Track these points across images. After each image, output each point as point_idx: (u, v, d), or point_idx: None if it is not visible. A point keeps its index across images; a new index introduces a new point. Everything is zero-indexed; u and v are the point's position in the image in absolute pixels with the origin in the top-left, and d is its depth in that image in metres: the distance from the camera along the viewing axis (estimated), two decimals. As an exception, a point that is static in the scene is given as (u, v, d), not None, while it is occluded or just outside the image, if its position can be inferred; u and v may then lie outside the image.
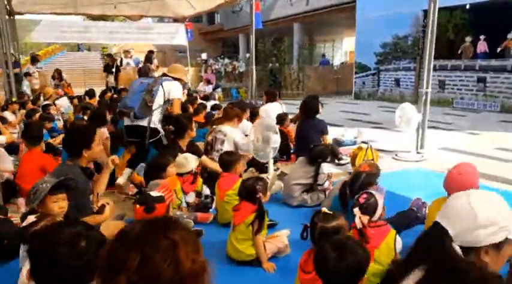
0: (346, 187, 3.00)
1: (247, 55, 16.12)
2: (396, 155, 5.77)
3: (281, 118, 6.14)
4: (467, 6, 10.74)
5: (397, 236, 2.22)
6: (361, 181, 2.83)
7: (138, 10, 12.67)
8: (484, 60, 10.21)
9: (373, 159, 4.89)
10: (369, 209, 2.20)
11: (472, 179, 2.55)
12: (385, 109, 11.18)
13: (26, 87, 11.39)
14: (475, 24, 10.43)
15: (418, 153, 5.91)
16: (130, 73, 13.42)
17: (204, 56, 15.18)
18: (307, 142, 5.45)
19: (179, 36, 14.04)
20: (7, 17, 10.98)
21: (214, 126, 4.65)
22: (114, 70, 12.45)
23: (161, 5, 12.66)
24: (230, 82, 14.96)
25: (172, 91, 4.37)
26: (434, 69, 11.40)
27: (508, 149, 6.08)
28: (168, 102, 4.41)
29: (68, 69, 22.91)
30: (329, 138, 5.70)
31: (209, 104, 8.32)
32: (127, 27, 13.45)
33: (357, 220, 2.15)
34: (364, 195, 2.27)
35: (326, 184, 3.93)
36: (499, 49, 9.81)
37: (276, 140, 4.56)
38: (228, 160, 3.46)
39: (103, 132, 4.75)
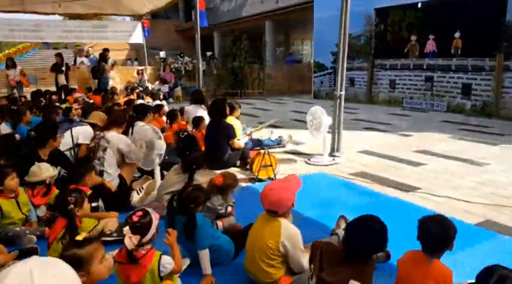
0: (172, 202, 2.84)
1: (208, 53, 15.95)
2: (309, 159, 5.65)
3: (197, 121, 6.00)
4: (419, 5, 10.69)
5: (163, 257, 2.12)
6: (186, 196, 2.68)
7: (90, 8, 12.44)
8: (431, 59, 10.16)
9: (271, 165, 4.79)
10: (141, 228, 2.06)
11: (283, 194, 2.42)
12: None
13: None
14: (425, 23, 10.36)
15: (333, 156, 5.81)
16: (85, 73, 13.24)
17: (162, 54, 14.95)
18: (215, 147, 5.36)
19: (136, 34, 13.84)
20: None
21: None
22: (64, 69, 12.18)
23: (115, 2, 12.45)
24: (190, 81, 14.74)
25: (81, 136, 4.60)
26: (385, 69, 11.45)
27: (426, 151, 6.00)
28: (77, 146, 4.52)
29: (41, 68, 22.69)
30: (241, 143, 5.58)
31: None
32: (81, 26, 13.17)
33: (126, 240, 2.01)
34: (139, 213, 2.13)
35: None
36: (452, 50, 9.76)
37: (160, 146, 4.43)
38: (76, 172, 3.30)
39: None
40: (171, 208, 2.74)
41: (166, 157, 5.09)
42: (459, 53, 9.45)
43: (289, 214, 2.56)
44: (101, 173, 4.18)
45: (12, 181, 3.12)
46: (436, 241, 2.08)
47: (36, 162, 3.50)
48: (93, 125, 4.68)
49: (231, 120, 6.30)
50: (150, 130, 4.78)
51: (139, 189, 3.92)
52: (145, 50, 14.11)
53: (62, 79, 12.36)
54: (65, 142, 4.35)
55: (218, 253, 2.80)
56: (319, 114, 5.45)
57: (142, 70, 13.40)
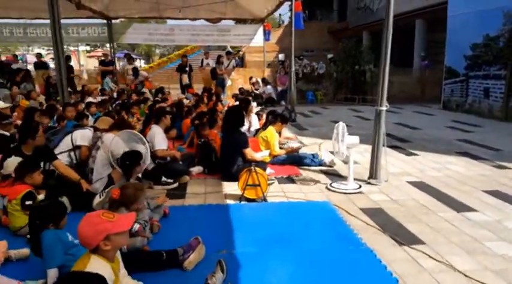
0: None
1: (329, 56, 15.23)
2: (331, 184, 4.80)
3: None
4: None
5: None
6: (34, 211, 2.53)
7: (213, 13, 13.30)
8: None
9: (259, 185, 4.25)
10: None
11: (85, 231, 2.07)
12: (456, 125, 9.15)
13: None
14: None
15: (368, 183, 4.83)
16: (208, 74, 14.33)
17: (281, 56, 14.98)
18: (225, 157, 5.09)
19: (257, 37, 14.21)
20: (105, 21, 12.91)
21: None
22: (187, 69, 13.38)
23: (236, 7, 13.03)
24: (308, 84, 14.38)
25: (79, 138, 4.77)
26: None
27: (500, 193, 4.43)
28: (77, 148, 4.76)
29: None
30: (256, 155, 5.13)
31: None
32: (208, 29, 14.22)
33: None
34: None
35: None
36: None
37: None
38: (20, 171, 3.51)
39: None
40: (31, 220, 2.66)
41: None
42: None
43: (110, 254, 2.17)
44: (92, 171, 4.43)
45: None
46: None
47: (13, 156, 3.88)
48: (96, 129, 4.93)
49: (270, 130, 5.96)
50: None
51: (102, 193, 3.97)
52: (264, 53, 14.38)
53: (185, 79, 13.61)
54: (64, 144, 4.71)
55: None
56: (344, 132, 4.58)
57: (256, 80, 13.65)
